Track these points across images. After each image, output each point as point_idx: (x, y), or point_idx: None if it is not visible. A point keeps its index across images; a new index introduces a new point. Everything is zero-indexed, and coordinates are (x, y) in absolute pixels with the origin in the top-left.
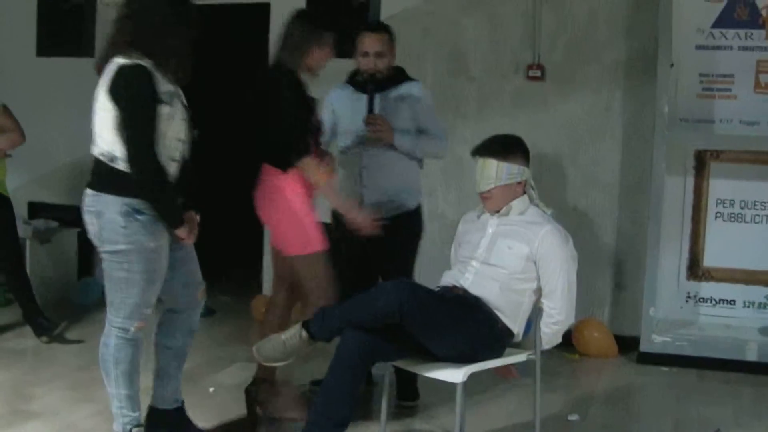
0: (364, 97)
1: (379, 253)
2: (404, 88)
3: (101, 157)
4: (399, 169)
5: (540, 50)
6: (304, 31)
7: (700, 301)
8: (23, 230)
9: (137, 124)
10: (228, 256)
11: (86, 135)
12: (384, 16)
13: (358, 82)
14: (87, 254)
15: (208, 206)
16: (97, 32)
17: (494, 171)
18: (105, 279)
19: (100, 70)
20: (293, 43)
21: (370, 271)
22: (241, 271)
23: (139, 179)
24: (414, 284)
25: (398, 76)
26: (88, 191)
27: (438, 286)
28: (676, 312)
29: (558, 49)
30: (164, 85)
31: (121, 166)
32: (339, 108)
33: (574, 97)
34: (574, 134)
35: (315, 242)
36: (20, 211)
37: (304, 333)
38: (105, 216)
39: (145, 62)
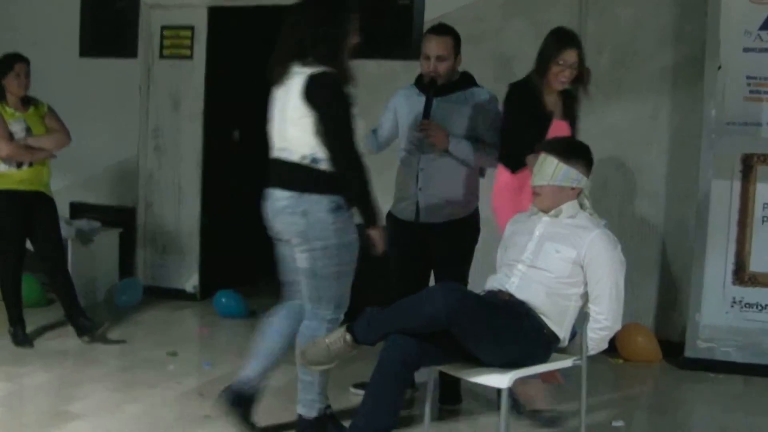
0: (424, 100)
1: (432, 258)
2: (471, 94)
3: (303, 161)
4: (455, 175)
5: (585, 55)
6: (544, 47)
7: (746, 307)
8: (66, 230)
9: (344, 127)
10: (271, 256)
11: (129, 135)
12: (427, 19)
13: (422, 84)
14: (129, 255)
15: (255, 207)
16: (140, 34)
17: (552, 169)
18: (309, 276)
19: (275, 77)
20: (538, 57)
21: (418, 275)
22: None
23: (349, 177)
24: (462, 289)
25: (464, 81)
26: (285, 193)
27: (483, 290)
28: (721, 317)
29: (604, 56)
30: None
31: (324, 166)
32: (400, 109)
33: (620, 104)
34: (620, 141)
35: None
36: (62, 211)
37: (348, 336)
38: (313, 215)
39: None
